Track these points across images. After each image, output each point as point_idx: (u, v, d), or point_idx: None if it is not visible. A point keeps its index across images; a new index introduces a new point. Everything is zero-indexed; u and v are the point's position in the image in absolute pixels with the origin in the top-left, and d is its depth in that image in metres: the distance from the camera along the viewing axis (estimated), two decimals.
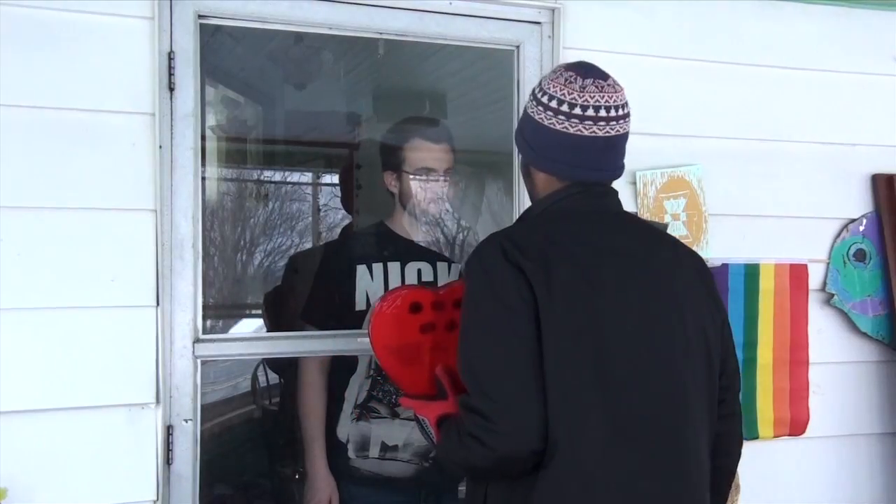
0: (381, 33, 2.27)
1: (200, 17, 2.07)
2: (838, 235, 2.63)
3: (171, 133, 2.03)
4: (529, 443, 1.40)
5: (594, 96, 1.57)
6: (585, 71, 1.62)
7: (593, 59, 2.36)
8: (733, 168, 2.53)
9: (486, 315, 1.46)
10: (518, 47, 2.36)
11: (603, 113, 1.56)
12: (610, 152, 1.60)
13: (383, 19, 2.23)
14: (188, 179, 2.05)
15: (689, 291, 1.59)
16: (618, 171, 1.64)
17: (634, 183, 2.42)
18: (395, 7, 2.23)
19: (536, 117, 1.60)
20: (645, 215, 2.41)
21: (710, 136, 2.51)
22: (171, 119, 2.03)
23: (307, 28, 2.21)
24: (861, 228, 2.63)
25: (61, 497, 1.94)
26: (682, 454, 1.51)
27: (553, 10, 2.36)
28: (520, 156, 1.73)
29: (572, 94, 1.57)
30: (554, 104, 1.57)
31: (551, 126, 1.57)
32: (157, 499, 2.00)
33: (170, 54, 2.03)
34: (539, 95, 1.61)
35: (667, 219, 2.43)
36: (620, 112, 1.59)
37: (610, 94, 1.58)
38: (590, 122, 1.55)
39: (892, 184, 2.63)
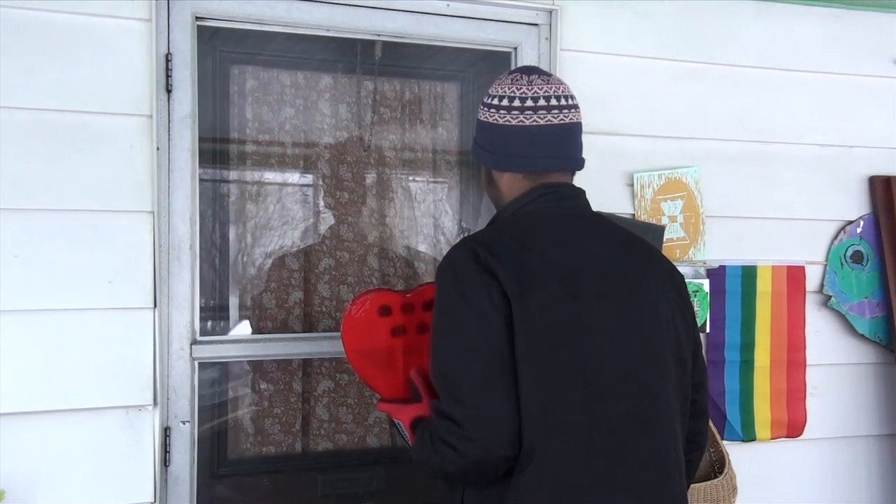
0: (378, 35, 2.27)
1: (198, 18, 2.08)
2: (836, 237, 2.63)
3: (169, 135, 2.04)
4: (501, 448, 1.41)
5: (542, 87, 1.61)
6: (528, 70, 1.67)
7: (591, 60, 2.40)
8: (731, 170, 2.53)
9: (457, 320, 1.45)
10: (516, 49, 2.37)
11: (554, 102, 1.60)
12: (567, 140, 1.63)
13: (381, 21, 2.23)
14: (185, 181, 2.05)
15: (661, 292, 1.59)
16: (579, 161, 1.67)
17: (632, 185, 2.42)
18: (393, 9, 2.23)
19: (490, 120, 1.63)
20: (642, 217, 2.41)
21: (708, 137, 2.51)
22: (169, 121, 2.04)
23: (304, 30, 2.21)
24: (858, 230, 2.64)
25: (59, 498, 1.94)
26: (663, 457, 1.51)
27: (550, 11, 2.36)
28: (480, 168, 1.74)
29: (521, 88, 1.61)
30: (505, 102, 1.61)
31: (507, 123, 1.61)
32: (155, 500, 2.00)
33: (167, 56, 2.04)
34: (489, 101, 1.65)
35: (664, 220, 2.43)
36: (570, 101, 1.63)
37: (557, 85, 1.63)
38: (543, 112, 1.59)
39: (890, 186, 2.63)
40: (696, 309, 2.42)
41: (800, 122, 2.60)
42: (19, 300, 1.92)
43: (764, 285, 2.52)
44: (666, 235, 2.42)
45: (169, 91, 2.04)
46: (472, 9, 2.30)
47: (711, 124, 2.52)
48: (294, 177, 2.81)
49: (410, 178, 2.86)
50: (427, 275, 2.79)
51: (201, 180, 2.15)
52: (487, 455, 1.40)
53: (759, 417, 2.52)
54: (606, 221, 1.66)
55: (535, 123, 1.59)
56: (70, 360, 1.95)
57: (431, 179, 2.92)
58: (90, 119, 1.97)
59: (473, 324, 1.43)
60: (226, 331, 2.57)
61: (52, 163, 1.94)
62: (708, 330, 2.48)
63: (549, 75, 1.65)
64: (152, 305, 2.01)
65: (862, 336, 2.63)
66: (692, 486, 2.20)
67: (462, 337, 1.44)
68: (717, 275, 2.48)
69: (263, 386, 2.64)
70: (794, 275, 2.56)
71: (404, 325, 1.74)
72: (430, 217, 2.90)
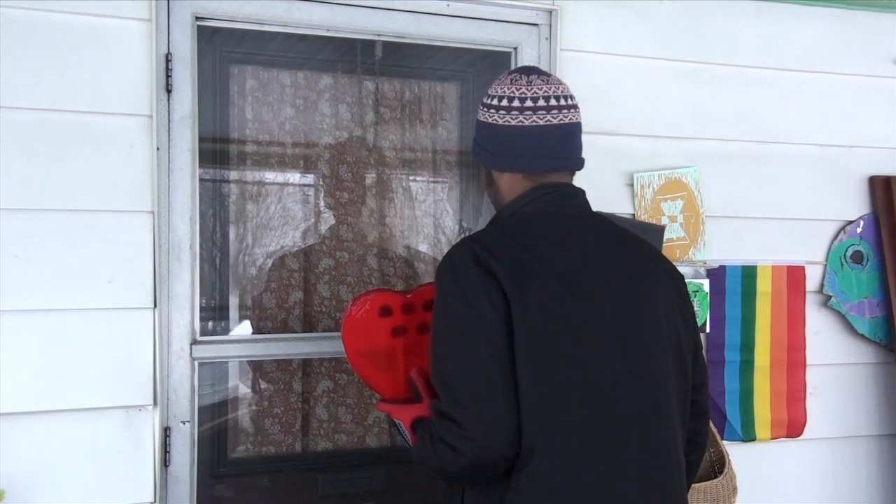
0: (378, 35, 2.28)
1: (198, 18, 2.08)
2: (836, 237, 2.63)
3: (169, 135, 2.04)
4: (500, 449, 1.41)
5: (542, 88, 1.61)
6: (528, 70, 1.67)
7: (591, 60, 2.40)
8: (731, 170, 2.53)
9: (456, 320, 1.45)
10: (516, 49, 2.37)
11: (553, 102, 1.60)
12: (568, 140, 1.63)
13: (381, 21, 2.24)
14: (185, 181, 2.06)
15: (661, 292, 1.59)
16: (579, 161, 1.67)
17: (632, 185, 2.42)
18: (393, 9, 2.23)
19: (490, 120, 1.63)
20: (642, 217, 2.41)
21: (708, 138, 2.51)
22: (169, 121, 2.04)
23: (304, 30, 2.21)
24: (858, 230, 2.64)
25: (59, 499, 1.94)
26: (663, 457, 1.51)
27: (550, 11, 2.36)
28: (480, 168, 1.74)
29: (521, 89, 1.61)
30: (505, 102, 1.61)
31: (506, 123, 1.61)
32: (155, 500, 2.00)
33: (167, 56, 2.04)
34: (489, 101, 1.65)
35: (664, 220, 2.43)
36: (570, 101, 1.63)
37: (556, 86, 1.63)
38: (543, 112, 1.59)
39: (890, 186, 2.63)
40: (696, 309, 2.41)
41: (800, 122, 2.60)
42: (19, 300, 1.92)
43: (764, 285, 2.52)
44: (666, 235, 2.42)
45: (169, 91, 2.04)
46: (472, 9, 2.30)
47: (711, 124, 2.52)
48: (294, 177, 2.81)
49: (410, 177, 2.86)
50: (427, 275, 2.79)
51: (201, 180, 2.15)
52: (487, 455, 1.41)
53: (759, 417, 2.52)
54: (606, 221, 1.66)
55: (534, 124, 1.59)
56: (70, 360, 1.95)
57: (431, 179, 2.92)
58: (90, 119, 1.97)
59: (473, 324, 1.43)
60: (226, 331, 2.57)
61: (52, 163, 1.94)
62: (708, 330, 2.48)
63: (549, 75, 1.65)
64: (152, 305, 2.01)
65: (862, 336, 2.64)
66: (692, 485, 2.20)
67: (462, 337, 1.44)
68: (717, 275, 2.48)
69: (263, 386, 2.64)
70: (794, 275, 2.56)
71: (405, 325, 1.74)
72: (430, 217, 2.90)
